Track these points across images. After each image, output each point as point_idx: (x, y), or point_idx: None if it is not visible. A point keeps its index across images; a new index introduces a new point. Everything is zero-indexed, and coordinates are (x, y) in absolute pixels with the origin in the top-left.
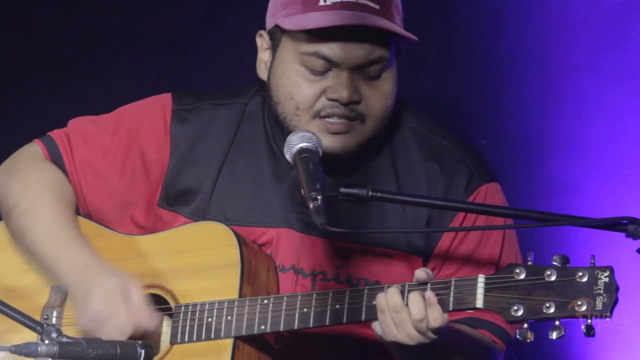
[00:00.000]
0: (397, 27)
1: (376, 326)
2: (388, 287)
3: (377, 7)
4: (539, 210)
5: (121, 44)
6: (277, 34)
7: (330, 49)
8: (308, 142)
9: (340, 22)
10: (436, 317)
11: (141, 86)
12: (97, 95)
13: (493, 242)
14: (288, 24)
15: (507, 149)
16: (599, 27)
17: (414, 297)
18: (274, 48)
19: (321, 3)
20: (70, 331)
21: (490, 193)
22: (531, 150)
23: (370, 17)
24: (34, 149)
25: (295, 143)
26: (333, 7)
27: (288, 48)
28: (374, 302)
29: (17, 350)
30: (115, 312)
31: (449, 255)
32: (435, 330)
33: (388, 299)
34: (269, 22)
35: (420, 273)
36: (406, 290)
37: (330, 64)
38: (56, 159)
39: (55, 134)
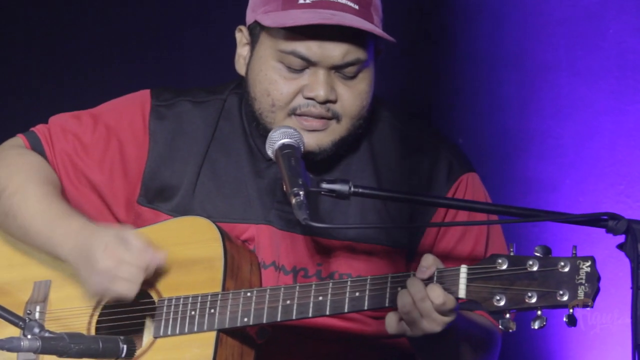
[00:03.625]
0: (375, 28)
1: (394, 327)
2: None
3: (357, 7)
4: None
5: (106, 42)
6: (256, 30)
7: (308, 48)
8: (290, 138)
9: (318, 21)
10: (439, 295)
11: (126, 83)
12: (81, 93)
13: (476, 235)
14: (267, 20)
15: (484, 147)
16: (576, 26)
17: (419, 283)
18: (253, 44)
19: (301, 1)
20: (53, 326)
21: (471, 182)
22: (508, 149)
23: (349, 17)
24: (16, 141)
25: (277, 139)
26: (313, 5)
27: (266, 44)
28: (357, 294)
29: None
30: (122, 262)
31: (433, 249)
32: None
33: (413, 290)
34: (249, 18)
35: (427, 259)
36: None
37: (308, 63)
38: (38, 150)
39: (37, 129)
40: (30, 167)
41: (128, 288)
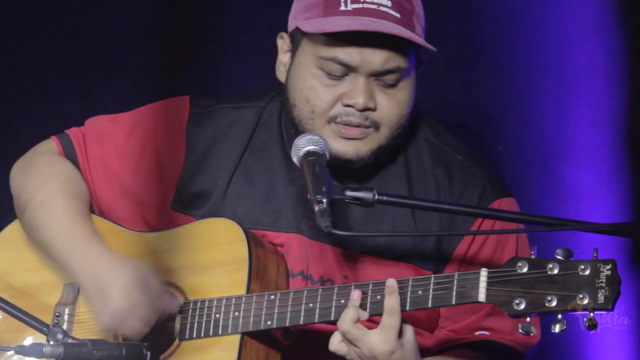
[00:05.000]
0: (415, 37)
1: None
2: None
3: (398, 15)
4: (553, 216)
5: (146, 46)
6: (297, 37)
7: (348, 54)
8: (315, 145)
9: (359, 27)
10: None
11: (165, 89)
12: (118, 97)
13: (508, 252)
14: (308, 26)
15: (523, 155)
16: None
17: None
18: (294, 50)
19: (342, 8)
20: (82, 329)
21: (504, 208)
22: (547, 156)
23: (390, 25)
24: (49, 145)
25: (302, 146)
26: (354, 12)
27: (307, 51)
28: (378, 297)
29: (21, 350)
30: (137, 304)
31: (464, 265)
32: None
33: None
34: (291, 24)
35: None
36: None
37: (348, 69)
38: (70, 155)
39: (72, 132)
40: (58, 178)
41: (139, 329)
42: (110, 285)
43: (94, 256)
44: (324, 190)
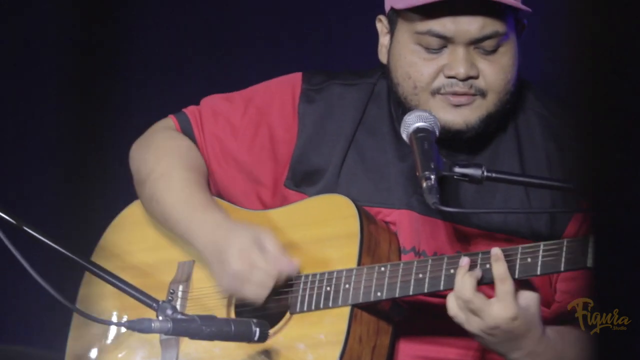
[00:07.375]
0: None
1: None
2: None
3: None
4: None
5: (262, 27)
6: (393, 17)
7: (442, 25)
8: (424, 122)
9: None
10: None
11: (275, 68)
12: (236, 75)
13: None
14: (400, 3)
15: None
16: None
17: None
18: (392, 31)
19: None
20: (195, 305)
21: None
22: None
23: None
24: (167, 123)
25: (411, 122)
26: None
27: (403, 29)
28: (487, 266)
29: (130, 326)
30: (255, 267)
31: None
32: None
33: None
34: (386, 6)
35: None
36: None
37: (445, 41)
38: (187, 132)
39: (189, 110)
40: (177, 151)
41: (257, 293)
42: (228, 249)
43: (212, 223)
44: (432, 166)
